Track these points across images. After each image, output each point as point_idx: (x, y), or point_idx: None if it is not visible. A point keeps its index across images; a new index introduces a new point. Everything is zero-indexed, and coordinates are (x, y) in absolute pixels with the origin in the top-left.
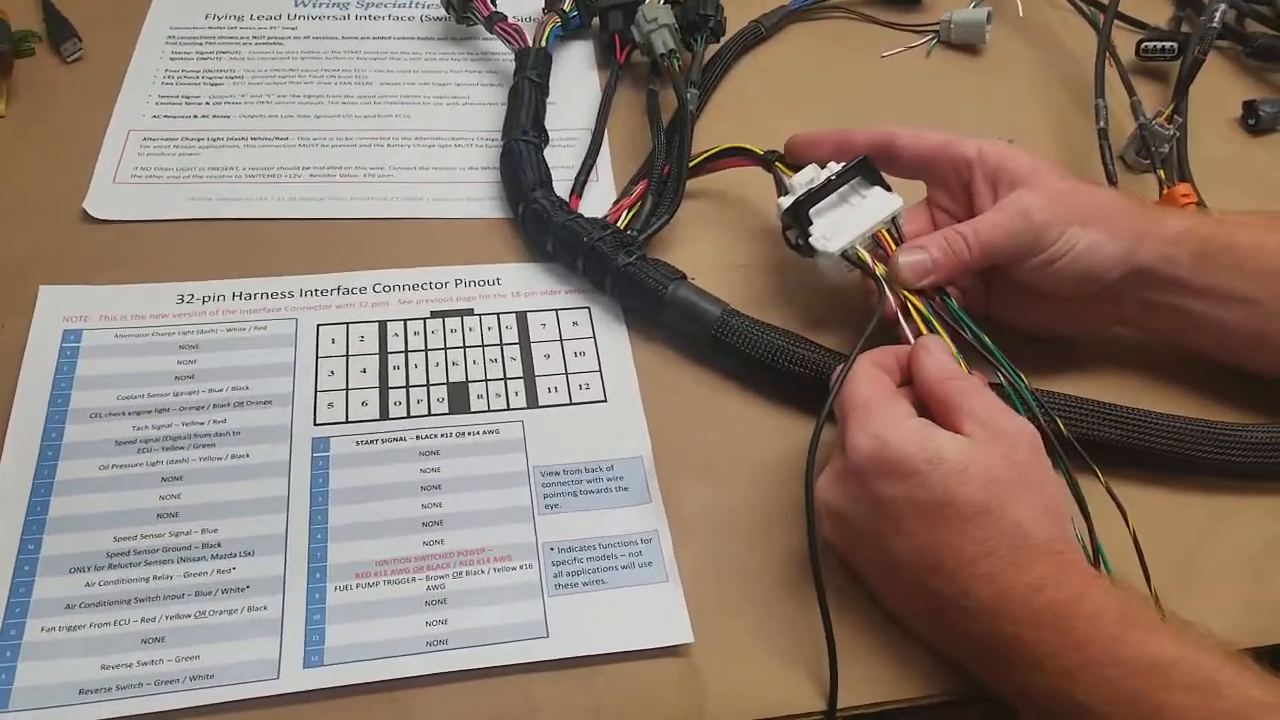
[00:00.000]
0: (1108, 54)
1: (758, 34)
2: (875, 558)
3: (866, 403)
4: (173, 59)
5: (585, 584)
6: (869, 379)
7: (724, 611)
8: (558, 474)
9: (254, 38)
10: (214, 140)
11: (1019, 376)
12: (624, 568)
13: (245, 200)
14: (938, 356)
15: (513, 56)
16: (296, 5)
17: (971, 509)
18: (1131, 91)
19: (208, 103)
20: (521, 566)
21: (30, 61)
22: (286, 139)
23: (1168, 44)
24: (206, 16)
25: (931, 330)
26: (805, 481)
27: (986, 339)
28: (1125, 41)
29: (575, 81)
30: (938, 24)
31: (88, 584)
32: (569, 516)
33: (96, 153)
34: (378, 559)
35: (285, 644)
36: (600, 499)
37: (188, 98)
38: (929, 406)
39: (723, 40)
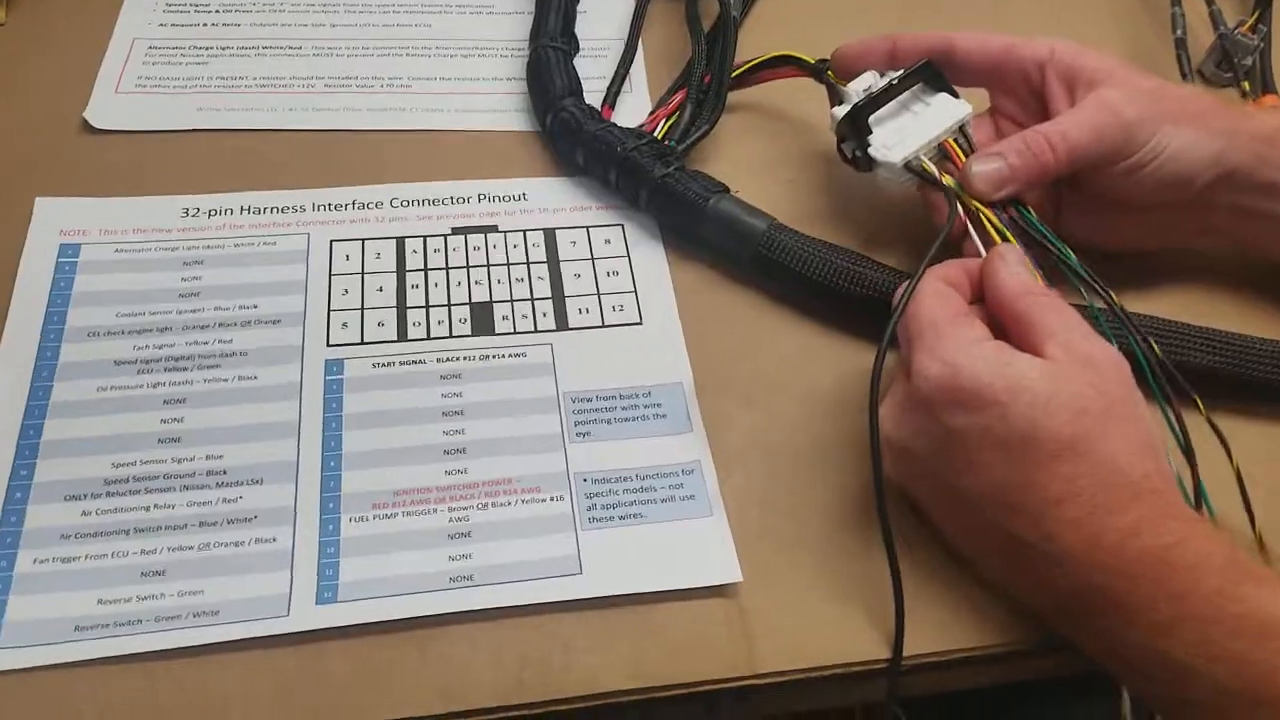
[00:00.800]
0: None
1: None
2: (944, 496)
3: (934, 324)
4: None
5: (622, 518)
6: (937, 297)
7: (774, 549)
8: (590, 400)
9: None
10: (223, 49)
11: (1111, 296)
12: (664, 501)
13: (255, 111)
14: (1015, 268)
15: None
16: None
17: (1057, 444)
18: (1210, 0)
19: (218, 10)
20: (552, 498)
21: None
22: (300, 48)
23: None
24: None
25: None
26: (870, 413)
27: (1073, 255)
28: None
29: None
30: None
31: (84, 513)
32: (603, 445)
33: (99, 62)
34: (396, 489)
35: (296, 579)
36: (636, 427)
37: (197, 5)
38: (1005, 325)
39: None
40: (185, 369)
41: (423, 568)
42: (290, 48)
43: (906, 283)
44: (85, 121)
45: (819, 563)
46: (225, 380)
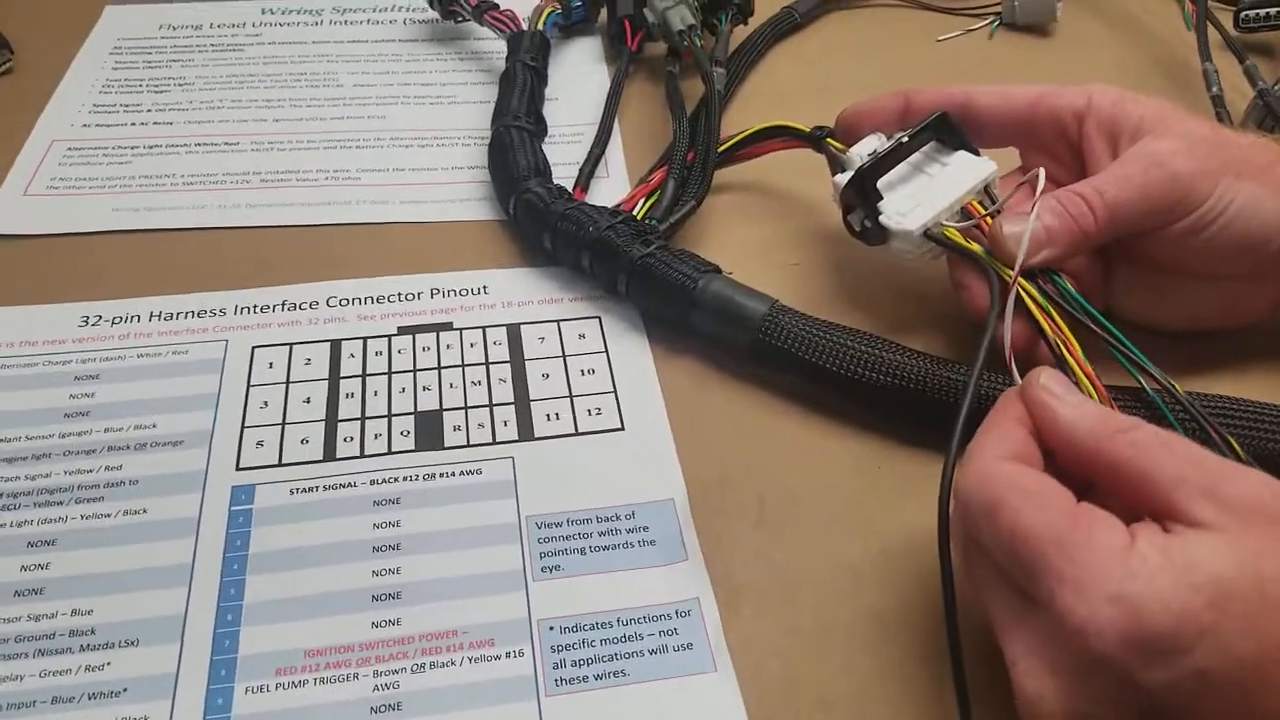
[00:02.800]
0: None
1: (791, 21)
2: None
3: (1059, 542)
4: (115, 69)
5: (598, 677)
6: (1030, 498)
7: (799, 712)
8: (559, 525)
9: (211, 45)
10: (150, 148)
11: (1170, 382)
12: (653, 652)
13: (179, 209)
14: (1073, 399)
15: (505, 51)
16: (263, 14)
17: None
18: (1242, 58)
19: (149, 110)
20: (509, 654)
21: None
22: (237, 144)
23: (1273, 10)
24: (160, 27)
25: (1056, 329)
26: (940, 557)
27: (1119, 333)
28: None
29: (581, 77)
30: (999, 4)
31: None
32: (574, 582)
33: (9, 167)
34: (309, 648)
35: None
36: (618, 557)
37: (127, 106)
38: (1095, 482)
39: (751, 26)
40: (60, 503)
41: None
42: (227, 144)
43: (955, 455)
44: None
45: None
46: (107, 515)
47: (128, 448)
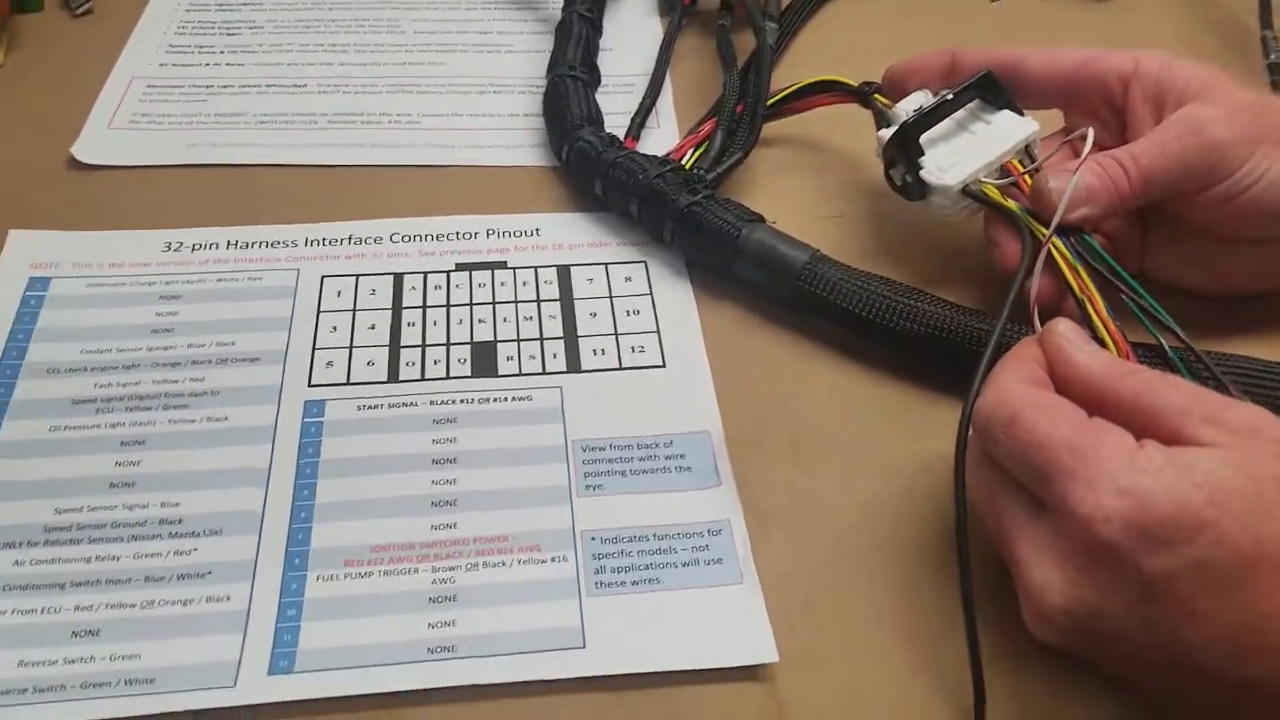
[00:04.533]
0: None
1: None
2: (1154, 655)
3: (1070, 446)
4: (189, 10)
5: (635, 583)
6: (1044, 410)
7: (818, 627)
8: (603, 449)
9: None
10: (224, 87)
11: (1182, 336)
12: (686, 565)
13: (252, 146)
14: (1086, 346)
15: (560, 2)
16: None
17: None
18: None
19: (222, 51)
20: (554, 559)
21: (37, 17)
22: (304, 86)
23: None
24: None
25: (1083, 286)
26: (955, 476)
27: (1142, 289)
28: None
29: (634, 29)
30: None
31: (16, 562)
32: (615, 500)
33: (94, 101)
34: (373, 544)
35: (249, 643)
36: (656, 480)
37: (201, 47)
38: (1109, 418)
39: None
40: (149, 409)
41: (398, 635)
42: (295, 85)
43: (981, 375)
44: (72, 157)
45: (874, 644)
46: (192, 421)
47: (209, 362)
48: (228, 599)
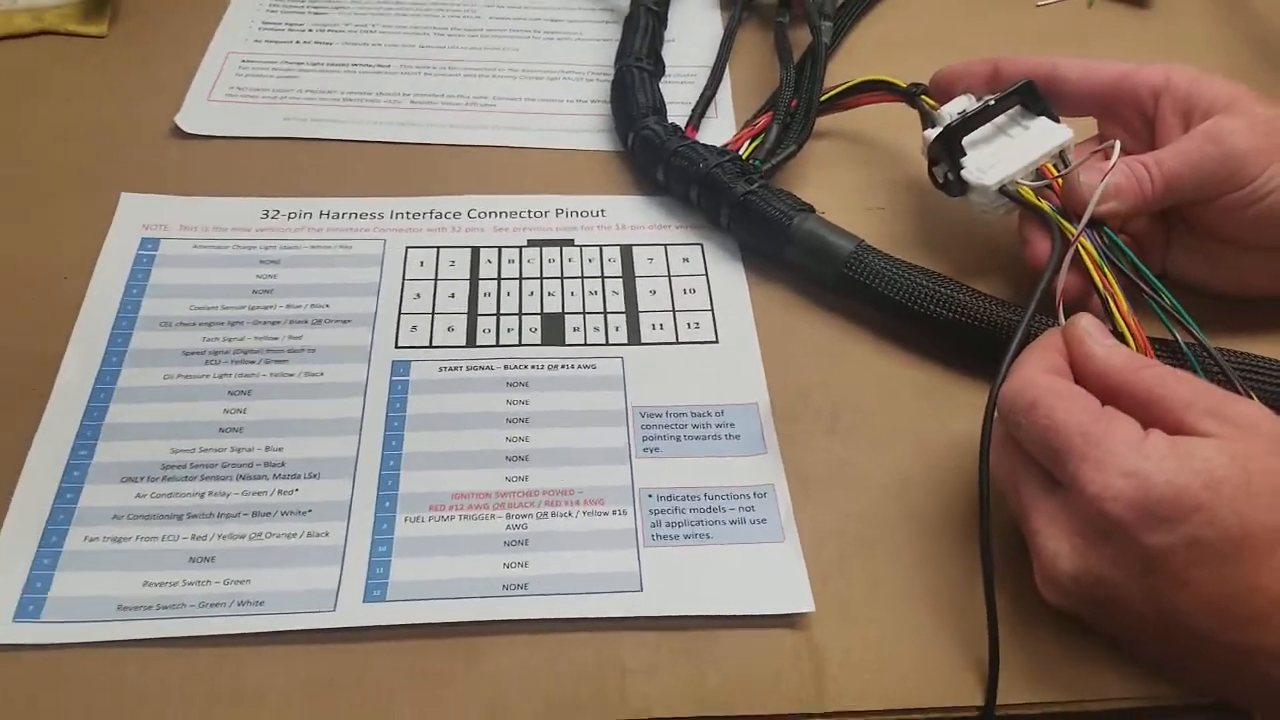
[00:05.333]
0: None
1: None
2: (1151, 621)
3: (1084, 432)
4: None
5: (687, 537)
6: (1063, 399)
7: (851, 584)
8: (659, 415)
9: None
10: (314, 64)
11: (1199, 335)
12: (733, 522)
13: (341, 123)
14: (1106, 340)
15: None
16: None
17: (1271, 533)
18: None
19: (311, 29)
20: (614, 512)
21: None
22: (388, 66)
23: None
24: None
25: (1107, 284)
26: (980, 454)
27: (1161, 285)
28: None
29: (696, 22)
30: None
31: (139, 495)
32: (671, 462)
33: (193, 73)
34: (454, 491)
35: (345, 574)
36: (707, 445)
37: (291, 25)
38: (1121, 408)
39: None
40: (253, 362)
41: (476, 573)
42: (379, 65)
43: (1009, 359)
44: (176, 126)
45: (900, 601)
46: (291, 375)
47: (306, 322)
48: (326, 535)
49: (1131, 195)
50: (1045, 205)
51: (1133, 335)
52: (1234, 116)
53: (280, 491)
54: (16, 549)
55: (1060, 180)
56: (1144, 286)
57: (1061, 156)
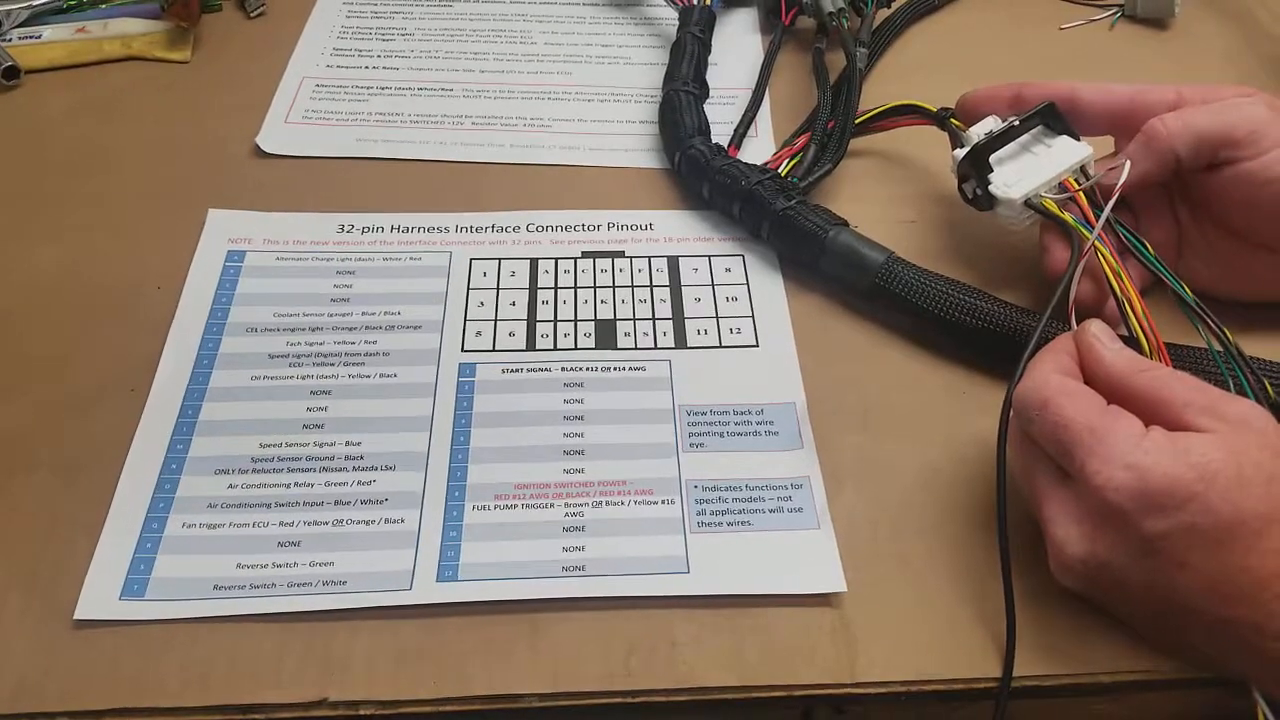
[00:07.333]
0: None
1: (930, 4)
2: (1151, 600)
3: (1091, 427)
4: (349, 16)
5: (730, 524)
6: (1072, 397)
7: (881, 567)
8: (704, 414)
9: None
10: (382, 89)
11: (1226, 335)
12: (772, 511)
13: (409, 143)
14: (1113, 344)
15: (676, 20)
16: None
17: (1260, 520)
18: None
19: (379, 56)
20: (663, 501)
21: (217, 16)
22: (451, 90)
23: None
24: None
25: (1124, 288)
26: (998, 448)
27: (1189, 292)
28: None
29: (737, 45)
30: None
31: (230, 485)
32: (714, 456)
33: (271, 96)
34: (517, 483)
35: (420, 557)
36: (748, 441)
37: (360, 51)
38: (1126, 407)
39: (893, 6)
40: (332, 364)
41: (538, 555)
42: (443, 90)
43: (1027, 358)
44: (257, 146)
45: (926, 582)
46: (367, 377)
47: (380, 328)
48: (402, 521)
49: (1144, 153)
50: (1068, 216)
51: (1148, 338)
52: (1251, 102)
53: (359, 482)
54: (122, 534)
55: (1081, 195)
56: (1165, 279)
57: (1083, 171)
